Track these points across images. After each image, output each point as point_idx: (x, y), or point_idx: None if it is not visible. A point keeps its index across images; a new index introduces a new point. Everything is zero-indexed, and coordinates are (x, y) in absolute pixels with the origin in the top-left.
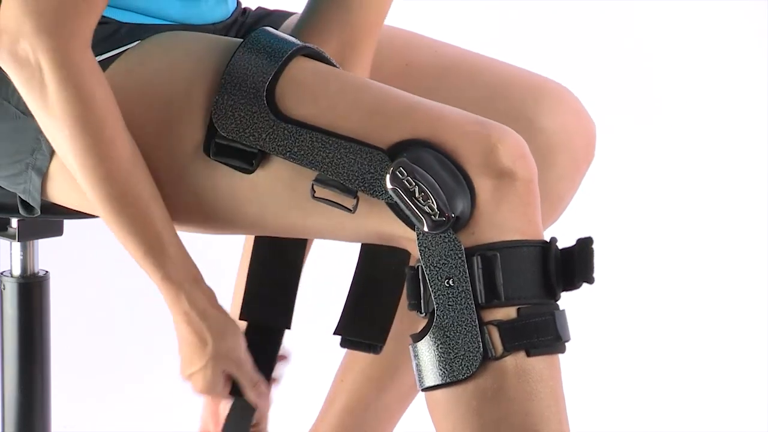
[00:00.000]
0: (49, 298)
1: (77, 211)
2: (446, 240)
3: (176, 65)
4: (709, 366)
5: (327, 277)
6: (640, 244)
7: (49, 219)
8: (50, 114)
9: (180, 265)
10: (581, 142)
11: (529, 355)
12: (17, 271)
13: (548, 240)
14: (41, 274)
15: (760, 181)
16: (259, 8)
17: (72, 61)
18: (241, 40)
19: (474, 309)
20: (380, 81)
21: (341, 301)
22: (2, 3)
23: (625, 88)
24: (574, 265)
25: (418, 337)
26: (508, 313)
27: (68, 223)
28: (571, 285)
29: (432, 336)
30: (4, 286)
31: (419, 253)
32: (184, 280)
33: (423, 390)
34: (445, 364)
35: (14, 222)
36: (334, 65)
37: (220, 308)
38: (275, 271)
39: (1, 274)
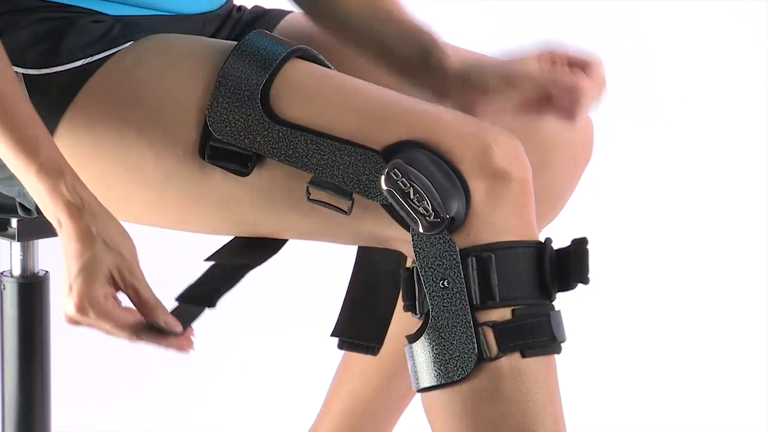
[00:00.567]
0: (49, 298)
1: None
2: (441, 241)
3: (171, 68)
4: (706, 366)
5: (326, 278)
6: (637, 243)
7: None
8: None
9: (55, 155)
10: (579, 141)
11: (524, 355)
12: (17, 271)
13: (543, 240)
14: (41, 274)
15: (759, 180)
16: (255, 7)
17: None
18: (235, 42)
19: (469, 310)
20: (374, 81)
21: (340, 302)
22: None
23: (623, 86)
24: (569, 265)
25: (413, 338)
26: (503, 313)
27: None
28: (567, 285)
29: (427, 337)
30: (4, 286)
31: (414, 255)
32: (62, 169)
33: (418, 391)
34: (441, 365)
35: (14, 222)
36: (328, 66)
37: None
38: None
39: (1, 274)
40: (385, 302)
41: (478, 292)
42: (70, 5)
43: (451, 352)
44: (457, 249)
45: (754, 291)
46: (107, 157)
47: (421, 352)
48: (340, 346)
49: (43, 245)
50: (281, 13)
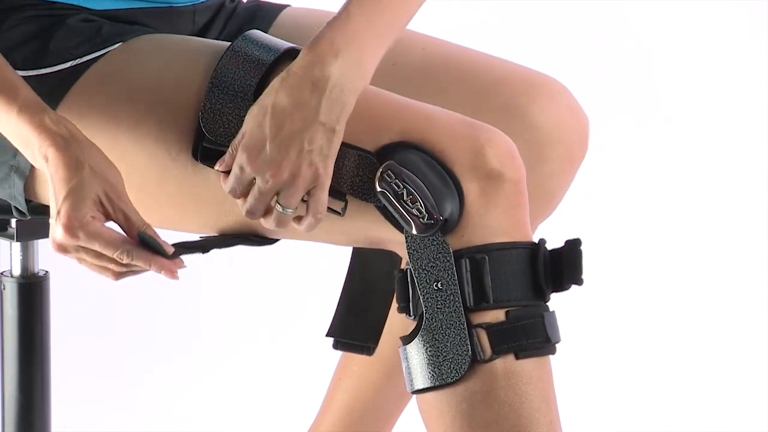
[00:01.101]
0: (49, 298)
1: None
2: (435, 243)
3: (163, 68)
4: (703, 366)
5: (323, 278)
6: (632, 243)
7: (47, 220)
8: None
9: (33, 95)
10: (574, 137)
11: (518, 357)
12: (17, 271)
13: (537, 242)
14: (41, 274)
15: (758, 179)
16: (251, 0)
17: None
18: (228, 42)
19: (462, 312)
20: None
21: (336, 302)
22: None
23: (619, 83)
24: (562, 266)
25: (407, 340)
26: (497, 315)
27: None
28: (560, 286)
29: (421, 339)
30: (4, 286)
31: (407, 256)
32: (43, 105)
33: (413, 393)
34: (435, 367)
35: (14, 222)
36: None
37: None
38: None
39: (1, 274)
40: (380, 303)
41: (472, 294)
42: (58, 2)
43: (445, 353)
44: (451, 251)
45: (752, 291)
46: None
47: (416, 354)
48: (336, 346)
49: (43, 245)
50: (277, 8)
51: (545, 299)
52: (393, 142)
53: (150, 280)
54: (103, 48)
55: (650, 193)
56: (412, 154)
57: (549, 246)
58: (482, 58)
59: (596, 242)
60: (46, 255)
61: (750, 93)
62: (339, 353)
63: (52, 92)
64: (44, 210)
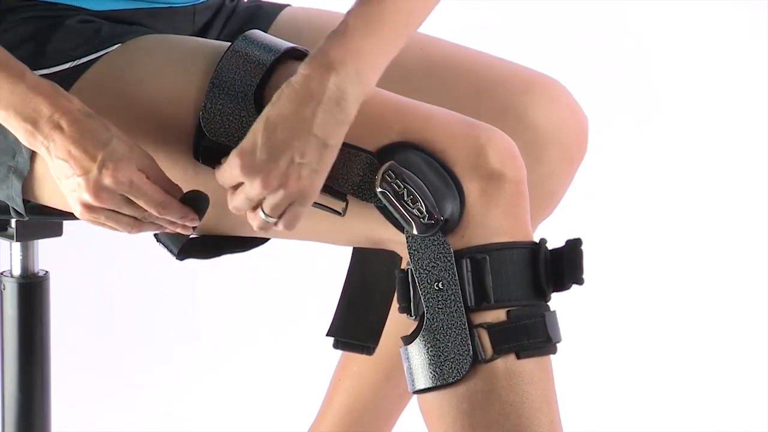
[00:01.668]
0: (49, 298)
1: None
2: (435, 243)
3: (162, 69)
4: (703, 365)
5: (323, 277)
6: (633, 242)
7: (46, 220)
8: None
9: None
10: (574, 137)
11: (519, 357)
12: (17, 271)
13: (538, 241)
14: (41, 274)
15: (758, 179)
16: (251, 0)
17: None
18: (228, 43)
19: (464, 312)
20: None
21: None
22: None
23: (619, 83)
24: (563, 266)
25: (408, 340)
26: (498, 315)
27: (68, 224)
28: (561, 286)
29: (422, 339)
30: (4, 286)
31: (408, 256)
32: (55, 84)
33: (414, 393)
34: (436, 367)
35: (14, 222)
36: None
37: None
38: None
39: (1, 274)
40: (380, 302)
41: (473, 294)
42: (57, 3)
43: (446, 353)
44: (452, 251)
45: (753, 290)
46: None
47: (417, 354)
48: (336, 345)
49: (43, 245)
50: (277, 8)
51: (546, 299)
52: (393, 142)
53: (150, 280)
54: (102, 49)
55: (650, 193)
56: (412, 155)
57: (550, 246)
58: (481, 58)
59: (596, 242)
60: (46, 255)
61: (750, 93)
62: (339, 353)
63: None
64: (42, 210)
